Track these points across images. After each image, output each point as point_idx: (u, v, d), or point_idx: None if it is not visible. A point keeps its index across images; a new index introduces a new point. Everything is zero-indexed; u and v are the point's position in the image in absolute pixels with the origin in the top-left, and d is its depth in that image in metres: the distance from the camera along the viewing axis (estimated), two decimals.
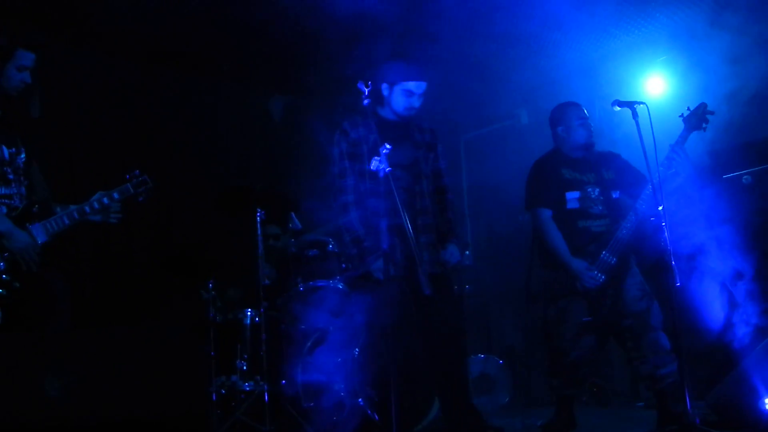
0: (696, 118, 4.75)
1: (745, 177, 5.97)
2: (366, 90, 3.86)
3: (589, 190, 4.85)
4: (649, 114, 4.26)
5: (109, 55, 6.54)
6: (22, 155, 4.14)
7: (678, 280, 3.97)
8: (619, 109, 4.43)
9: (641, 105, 4.38)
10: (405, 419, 3.93)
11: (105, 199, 4.17)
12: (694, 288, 5.21)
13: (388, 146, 3.83)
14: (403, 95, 4.47)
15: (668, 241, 4.06)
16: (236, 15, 6.01)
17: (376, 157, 3.82)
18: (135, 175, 4.28)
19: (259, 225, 5.44)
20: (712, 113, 4.77)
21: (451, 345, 4.47)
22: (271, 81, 7.55)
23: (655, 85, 7.13)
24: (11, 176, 4.04)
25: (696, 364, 5.19)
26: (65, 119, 6.19)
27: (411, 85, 4.47)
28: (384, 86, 4.52)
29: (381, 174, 3.79)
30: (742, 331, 5.10)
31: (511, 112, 8.31)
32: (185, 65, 7.03)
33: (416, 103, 4.51)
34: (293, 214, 5.93)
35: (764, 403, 4.33)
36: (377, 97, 4.56)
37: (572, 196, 4.85)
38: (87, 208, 4.13)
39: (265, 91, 7.75)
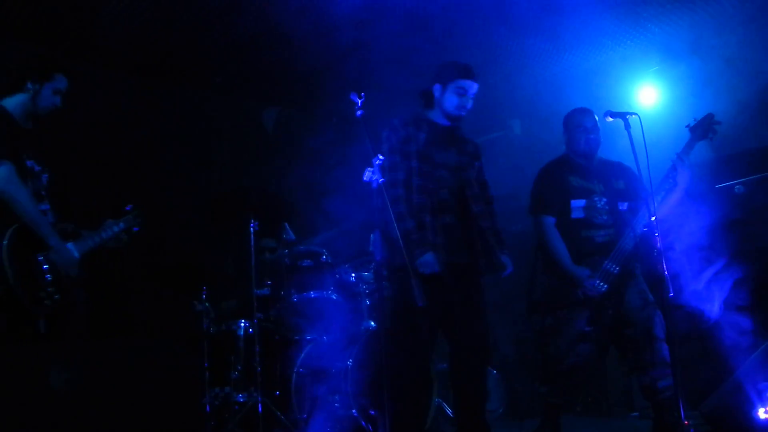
0: (702, 129, 4.77)
1: (737, 186, 5.98)
2: (359, 101, 3.86)
3: (596, 199, 4.83)
4: (641, 125, 4.27)
5: (101, 68, 6.54)
6: (46, 174, 4.27)
7: (671, 291, 3.97)
8: (611, 119, 4.43)
9: (633, 116, 4.39)
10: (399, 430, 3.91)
11: (115, 227, 4.45)
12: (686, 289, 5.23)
13: (381, 157, 3.84)
14: (456, 93, 4.50)
15: (661, 251, 4.05)
16: (229, 27, 6.03)
17: (369, 168, 3.82)
18: (134, 209, 4.60)
19: (252, 236, 5.44)
20: (719, 123, 4.78)
21: (476, 353, 4.46)
22: (264, 93, 7.56)
23: (648, 96, 7.16)
24: (42, 192, 4.19)
25: (691, 373, 5.19)
26: (54, 132, 6.18)
27: (464, 83, 4.51)
28: (436, 87, 4.56)
29: (374, 185, 3.79)
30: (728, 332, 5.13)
31: (505, 122, 8.33)
32: (178, 77, 7.03)
33: (467, 103, 4.55)
34: (287, 225, 5.93)
35: (758, 413, 4.34)
36: (428, 100, 4.62)
37: (577, 204, 4.84)
38: (104, 234, 4.38)
39: (258, 102, 7.76)
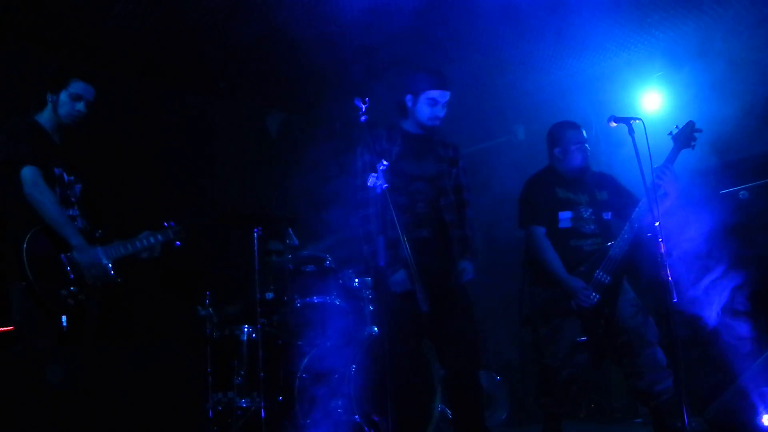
0: (684, 136, 4.74)
1: (741, 192, 5.98)
2: (363, 106, 3.87)
3: (582, 210, 4.86)
4: (645, 130, 4.27)
5: (104, 70, 6.55)
6: (80, 184, 4.37)
7: (675, 296, 3.96)
8: (615, 125, 4.43)
9: (637, 121, 4.38)
10: None
11: (152, 239, 4.51)
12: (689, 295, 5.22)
13: (385, 162, 3.84)
14: (428, 104, 4.50)
15: (665, 256, 4.04)
16: (232, 32, 6.03)
17: (373, 174, 3.82)
18: (171, 226, 4.68)
19: (256, 241, 5.44)
20: (699, 131, 4.75)
21: (466, 360, 4.46)
22: (268, 98, 7.56)
23: (652, 101, 7.16)
24: (72, 200, 4.27)
25: (694, 380, 5.18)
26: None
27: (435, 93, 4.50)
28: (408, 98, 4.55)
29: (378, 190, 3.79)
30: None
31: (508, 128, 8.33)
32: (181, 82, 7.04)
33: (440, 112, 4.54)
34: (290, 230, 5.93)
35: (762, 419, 4.32)
36: (401, 111, 4.61)
37: (565, 216, 4.86)
38: (138, 244, 4.44)
39: (261, 107, 7.77)
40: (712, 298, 5.26)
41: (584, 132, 5.01)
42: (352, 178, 4.55)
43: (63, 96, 4.25)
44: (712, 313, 5.27)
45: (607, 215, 4.90)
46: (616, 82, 7.20)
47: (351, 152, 4.62)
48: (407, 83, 4.59)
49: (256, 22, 5.89)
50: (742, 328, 5.14)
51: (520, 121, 8.24)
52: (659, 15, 6.13)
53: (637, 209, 4.67)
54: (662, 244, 4.05)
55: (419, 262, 4.06)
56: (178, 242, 4.68)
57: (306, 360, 5.41)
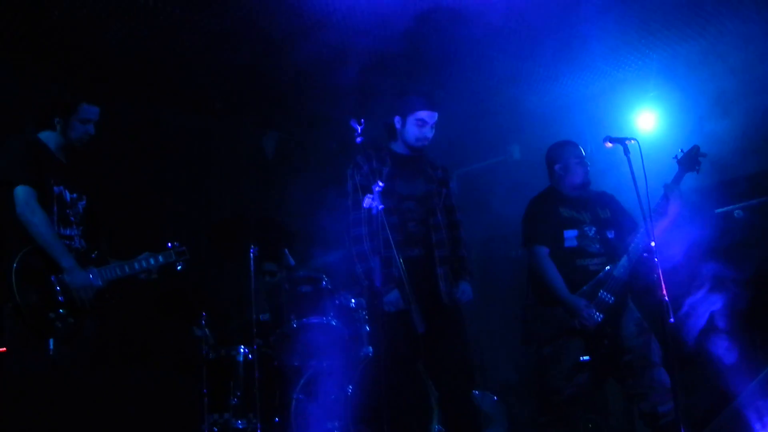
0: (689, 160, 4.77)
1: (737, 211, 5.99)
2: (359, 128, 3.89)
3: (586, 228, 4.85)
4: (640, 150, 4.28)
5: (100, 92, 6.55)
6: (83, 201, 4.34)
7: (671, 317, 3.96)
8: (611, 145, 4.45)
9: (632, 141, 4.39)
10: None
11: (152, 260, 4.45)
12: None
13: (381, 184, 3.86)
14: (416, 125, 4.55)
15: (660, 277, 4.05)
16: (228, 53, 6.05)
17: (369, 195, 3.84)
18: (176, 247, 4.61)
19: (252, 261, 5.43)
20: (704, 155, 4.78)
21: (459, 380, 4.46)
22: (264, 117, 7.58)
23: (646, 121, 7.18)
24: (72, 218, 4.25)
25: (690, 400, 5.17)
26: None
27: (423, 114, 4.55)
28: (397, 119, 4.60)
29: (374, 211, 3.81)
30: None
31: (504, 148, 8.35)
32: (178, 103, 7.06)
33: (428, 133, 4.59)
34: (286, 251, 5.93)
35: None
36: (390, 132, 4.65)
37: (570, 234, 4.84)
38: (136, 265, 4.39)
39: (258, 127, 7.78)
40: (698, 315, 5.27)
41: (582, 149, 5.03)
42: (343, 198, 4.58)
43: (72, 120, 4.25)
44: (696, 325, 5.28)
45: (611, 234, 4.88)
46: (610, 101, 7.22)
47: (343, 173, 4.65)
48: (396, 105, 4.63)
49: (252, 41, 5.91)
50: (738, 348, 5.13)
51: (516, 141, 8.25)
52: (654, 36, 6.16)
53: (638, 232, 4.67)
54: (658, 264, 4.06)
55: (411, 282, 4.08)
56: (180, 265, 4.61)
57: (302, 381, 5.39)
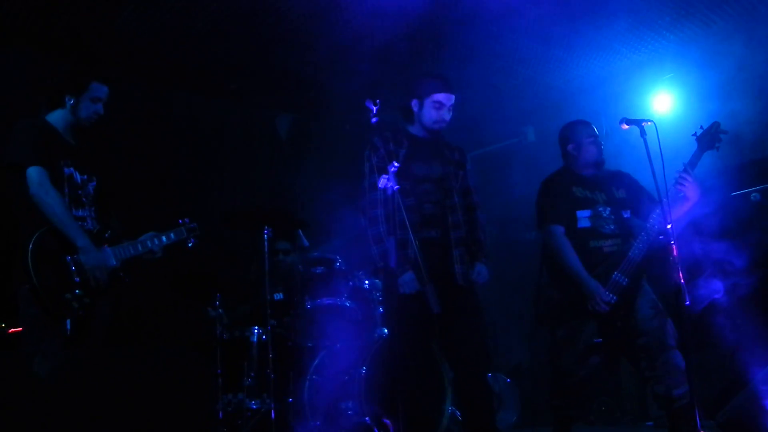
0: (709, 138, 4.67)
1: (753, 194, 5.95)
2: (374, 108, 3.87)
3: (600, 209, 4.79)
4: (657, 132, 4.24)
5: (114, 74, 6.56)
6: (94, 182, 4.34)
7: (687, 299, 3.93)
8: (627, 127, 4.40)
9: (649, 123, 4.35)
10: None
11: (164, 238, 4.46)
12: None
13: (396, 164, 3.84)
14: (433, 108, 4.53)
15: (677, 259, 4.02)
16: (243, 34, 6.05)
17: (384, 175, 3.83)
18: (186, 223, 4.63)
19: (266, 242, 5.43)
20: (725, 132, 4.69)
21: (475, 361, 4.45)
22: (278, 99, 7.57)
23: (662, 103, 7.13)
24: (84, 200, 4.24)
25: (706, 383, 5.15)
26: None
27: (441, 96, 4.53)
28: (414, 102, 4.59)
29: (389, 192, 3.80)
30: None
31: (518, 129, 8.32)
32: (192, 84, 7.06)
33: (446, 116, 4.57)
34: (300, 232, 5.92)
35: None
36: (407, 115, 4.64)
37: (583, 214, 4.79)
38: (149, 243, 4.39)
39: (271, 109, 7.78)
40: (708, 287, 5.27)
41: (595, 128, 4.99)
42: (359, 180, 4.57)
43: (84, 99, 4.24)
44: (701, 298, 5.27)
45: (626, 213, 4.81)
46: (626, 83, 7.18)
47: (359, 154, 4.64)
48: (413, 88, 4.62)
49: (265, 24, 5.89)
50: (754, 330, 5.11)
51: (531, 123, 8.22)
52: (671, 17, 6.11)
53: (655, 210, 4.63)
54: (674, 247, 4.03)
55: (427, 263, 4.07)
56: (192, 241, 4.63)
57: (316, 361, 5.41)
